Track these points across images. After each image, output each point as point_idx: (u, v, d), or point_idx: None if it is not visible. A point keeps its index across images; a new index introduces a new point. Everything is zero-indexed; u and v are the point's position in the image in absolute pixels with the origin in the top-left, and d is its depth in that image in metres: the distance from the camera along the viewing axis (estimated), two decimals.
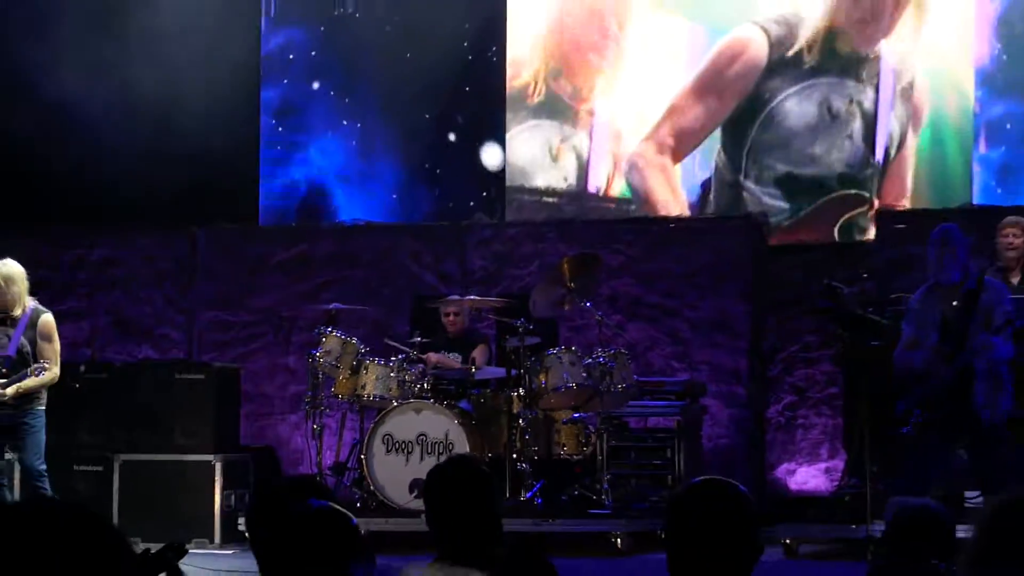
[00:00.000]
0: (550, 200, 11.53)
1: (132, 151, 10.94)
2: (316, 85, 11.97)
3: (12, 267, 7.58)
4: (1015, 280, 8.41)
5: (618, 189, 11.42)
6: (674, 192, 11.12)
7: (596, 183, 11.39)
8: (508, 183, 11.51)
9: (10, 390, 7.41)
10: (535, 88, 11.51)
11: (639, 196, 11.10)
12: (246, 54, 11.70)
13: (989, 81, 10.70)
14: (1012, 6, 10.74)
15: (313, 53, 11.98)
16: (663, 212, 11.07)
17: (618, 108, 11.27)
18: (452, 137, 11.55)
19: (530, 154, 11.41)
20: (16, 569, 1.38)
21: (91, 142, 10.93)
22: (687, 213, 11.02)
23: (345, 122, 11.89)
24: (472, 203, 11.64)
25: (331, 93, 11.97)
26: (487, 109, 11.58)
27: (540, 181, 11.48)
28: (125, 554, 1.46)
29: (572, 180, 11.43)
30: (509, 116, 11.48)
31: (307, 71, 11.98)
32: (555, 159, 11.40)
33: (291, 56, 12.00)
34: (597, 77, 11.30)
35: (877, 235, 10.02)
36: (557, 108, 11.32)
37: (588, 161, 11.32)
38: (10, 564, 1.39)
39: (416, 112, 11.67)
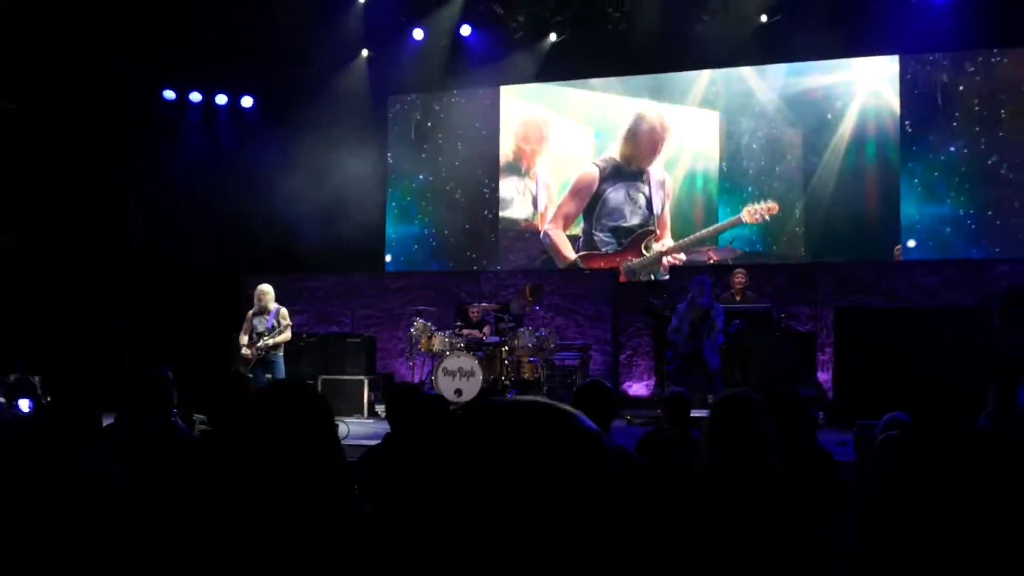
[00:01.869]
0: (525, 230, 13.24)
1: (323, 236, 12.70)
2: (408, 198, 14.08)
3: (268, 287, 9.58)
4: (738, 298, 10.21)
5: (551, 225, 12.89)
6: (564, 246, 13.36)
7: (540, 212, 13.11)
8: (500, 214, 13.20)
9: (270, 341, 9.27)
10: (516, 158, 13.39)
11: (551, 249, 13.35)
12: (377, 189, 13.64)
13: (723, 176, 12.73)
14: (727, 120, 12.53)
15: (418, 179, 13.90)
16: (563, 256, 13.00)
17: (549, 172, 13.33)
18: (474, 224, 13.62)
19: (511, 192, 13.26)
20: (278, 409, 1.65)
21: (299, 231, 12.58)
22: (574, 255, 13.02)
23: (425, 217, 13.86)
24: (484, 260, 13.70)
25: (417, 199, 13.65)
26: (492, 209, 13.49)
27: (515, 206, 13.31)
28: (324, 403, 1.66)
29: (530, 208, 13.22)
30: (502, 178, 13.06)
31: (407, 186, 13.77)
32: (522, 195, 13.26)
33: (394, 173, 13.73)
34: (537, 156, 13.46)
35: (670, 277, 12.01)
36: (525, 169, 13.29)
37: (536, 198, 13.35)
38: (280, 411, 1.64)
39: (458, 210, 13.70)
